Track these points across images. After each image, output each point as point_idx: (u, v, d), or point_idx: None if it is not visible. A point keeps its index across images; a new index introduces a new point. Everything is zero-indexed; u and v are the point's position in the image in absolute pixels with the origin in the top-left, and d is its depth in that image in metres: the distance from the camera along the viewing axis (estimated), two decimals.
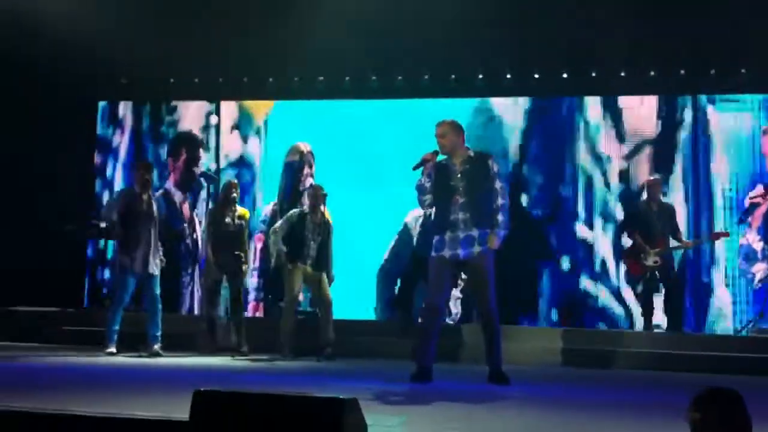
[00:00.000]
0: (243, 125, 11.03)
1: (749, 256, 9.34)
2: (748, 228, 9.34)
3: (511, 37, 9.67)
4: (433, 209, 6.02)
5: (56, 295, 9.84)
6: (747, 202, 9.22)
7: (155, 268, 7.63)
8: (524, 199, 10.12)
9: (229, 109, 11.12)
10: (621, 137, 9.98)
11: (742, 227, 9.34)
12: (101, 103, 11.31)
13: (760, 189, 9.27)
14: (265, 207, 10.58)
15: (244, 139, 11.00)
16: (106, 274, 10.81)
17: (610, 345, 8.19)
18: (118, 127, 11.31)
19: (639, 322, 9.05)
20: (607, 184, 9.98)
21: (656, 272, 8.60)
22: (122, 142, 11.28)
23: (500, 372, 5.81)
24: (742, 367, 7.25)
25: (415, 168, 5.96)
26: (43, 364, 6.83)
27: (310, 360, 7.54)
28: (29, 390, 4.94)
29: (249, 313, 9.90)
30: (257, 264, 10.37)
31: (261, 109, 11.05)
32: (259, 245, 10.34)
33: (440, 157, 5.97)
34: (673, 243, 8.70)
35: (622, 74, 9.89)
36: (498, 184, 5.89)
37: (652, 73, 9.80)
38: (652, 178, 9.13)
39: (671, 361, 7.68)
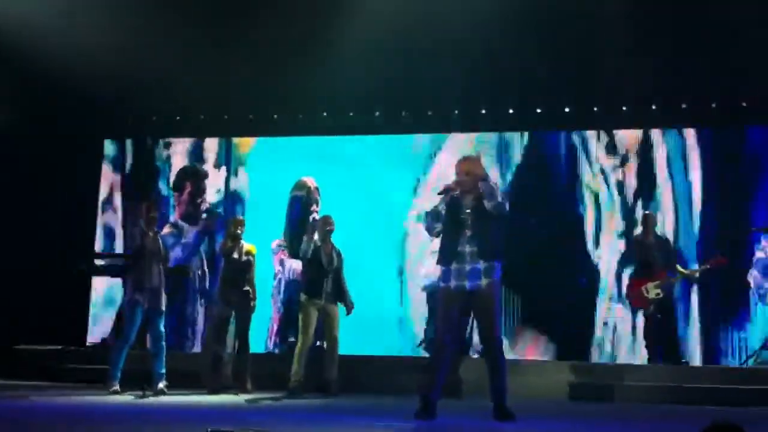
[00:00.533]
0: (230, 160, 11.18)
1: (766, 271, 9.36)
2: (766, 240, 9.35)
3: (501, 72, 9.78)
4: (439, 239, 5.98)
5: (60, 333, 9.84)
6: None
7: (161, 305, 7.65)
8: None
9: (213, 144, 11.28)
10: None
11: (757, 245, 9.34)
12: (106, 141, 11.41)
13: None
14: (272, 242, 10.60)
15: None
16: (110, 312, 10.81)
17: (615, 378, 8.17)
18: (122, 165, 11.39)
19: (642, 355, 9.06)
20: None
21: (658, 305, 8.63)
22: (125, 179, 11.35)
23: (504, 407, 5.77)
24: (747, 399, 7.25)
25: (440, 193, 5.92)
26: (47, 402, 6.81)
27: (316, 397, 7.53)
28: (34, 430, 4.93)
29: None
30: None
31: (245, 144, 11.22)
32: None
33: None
34: (678, 272, 8.76)
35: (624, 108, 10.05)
36: (499, 197, 5.85)
37: (654, 106, 9.97)
38: (647, 211, 9.22)
39: (676, 394, 7.67)
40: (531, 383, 7.90)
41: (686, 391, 7.72)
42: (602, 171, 10.17)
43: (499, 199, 5.81)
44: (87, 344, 10.45)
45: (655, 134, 10.11)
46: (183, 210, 11.00)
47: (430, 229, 6.01)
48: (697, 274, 8.89)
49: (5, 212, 10.44)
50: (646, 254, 8.77)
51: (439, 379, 5.82)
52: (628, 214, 9.97)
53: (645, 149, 10.09)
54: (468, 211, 5.85)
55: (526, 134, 10.48)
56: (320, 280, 7.83)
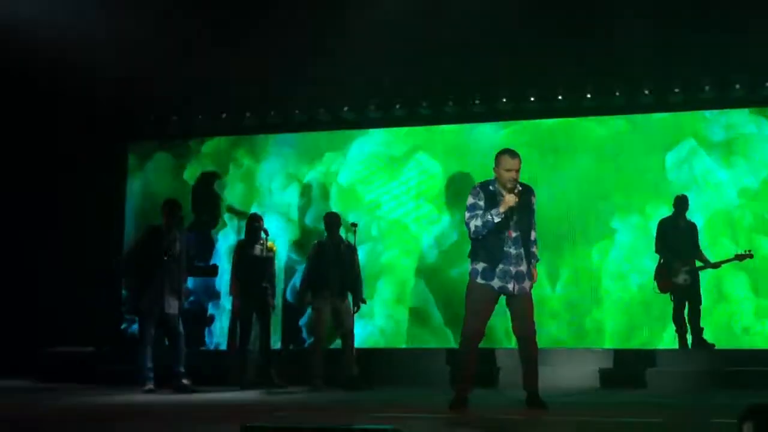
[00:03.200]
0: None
1: None
2: None
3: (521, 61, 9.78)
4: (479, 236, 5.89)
5: (94, 334, 9.94)
6: None
7: (170, 308, 7.56)
8: None
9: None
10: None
11: None
12: (131, 147, 11.51)
13: None
14: (291, 243, 10.75)
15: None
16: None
17: (646, 364, 8.14)
18: (146, 171, 11.49)
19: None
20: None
21: (684, 290, 8.58)
22: (151, 184, 11.46)
23: (538, 397, 5.82)
24: None
25: (504, 210, 5.71)
26: (85, 404, 6.86)
27: (341, 391, 7.55)
28: (76, 428, 4.99)
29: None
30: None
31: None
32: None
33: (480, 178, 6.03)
34: (699, 263, 8.69)
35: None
36: (533, 221, 5.93)
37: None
38: (680, 194, 9.11)
39: (707, 378, 7.64)
40: (561, 372, 7.90)
41: (718, 375, 7.68)
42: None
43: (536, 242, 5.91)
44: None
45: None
46: (204, 213, 11.07)
47: (477, 233, 5.79)
48: (721, 265, 8.82)
49: (35, 216, 10.54)
50: (675, 239, 8.70)
51: (471, 370, 5.86)
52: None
53: None
54: (510, 210, 5.77)
55: None
56: (324, 278, 7.83)
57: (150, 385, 7.54)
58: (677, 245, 8.69)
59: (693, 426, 5.18)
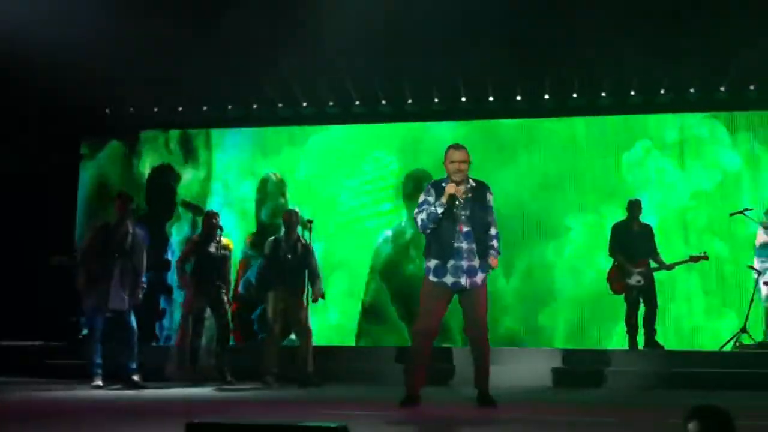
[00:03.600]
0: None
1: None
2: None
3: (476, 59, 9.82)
4: (429, 233, 5.90)
5: (42, 328, 9.77)
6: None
7: (119, 303, 7.45)
8: None
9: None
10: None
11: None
12: (83, 137, 11.33)
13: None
14: (247, 236, 10.62)
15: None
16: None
17: (599, 364, 8.20)
18: (99, 160, 11.32)
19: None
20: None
21: (638, 291, 8.69)
22: (104, 175, 11.30)
23: (488, 395, 5.83)
24: (725, 383, 7.33)
25: (447, 202, 5.74)
26: (29, 398, 6.75)
27: (294, 388, 7.52)
28: (18, 424, 4.89)
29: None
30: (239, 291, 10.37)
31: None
32: (241, 273, 10.35)
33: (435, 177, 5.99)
34: (654, 264, 8.81)
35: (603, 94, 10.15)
36: (491, 217, 5.93)
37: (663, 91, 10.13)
38: (632, 199, 9.23)
39: (658, 379, 7.73)
40: (514, 370, 7.93)
41: (669, 376, 7.77)
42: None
43: (496, 250, 5.89)
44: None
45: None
46: (156, 207, 10.94)
47: (424, 227, 5.85)
48: (675, 267, 8.95)
49: None
50: (627, 242, 8.81)
51: (422, 368, 5.87)
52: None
53: None
54: (461, 204, 5.80)
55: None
56: (278, 273, 7.80)
57: (98, 381, 7.43)
58: (630, 248, 8.80)
59: (642, 425, 5.23)
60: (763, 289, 9.37)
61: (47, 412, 5.80)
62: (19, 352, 9.15)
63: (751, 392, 7.02)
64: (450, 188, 5.74)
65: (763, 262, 9.41)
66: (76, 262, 9.95)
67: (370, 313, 10.59)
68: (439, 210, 5.75)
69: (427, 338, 5.87)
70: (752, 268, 9.32)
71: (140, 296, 7.65)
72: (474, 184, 5.92)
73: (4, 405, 6.21)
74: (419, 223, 5.84)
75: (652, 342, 8.72)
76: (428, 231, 5.84)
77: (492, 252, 5.87)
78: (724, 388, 7.16)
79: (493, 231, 5.92)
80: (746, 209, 9.23)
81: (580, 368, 8.14)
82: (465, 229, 5.81)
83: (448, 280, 5.80)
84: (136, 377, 7.46)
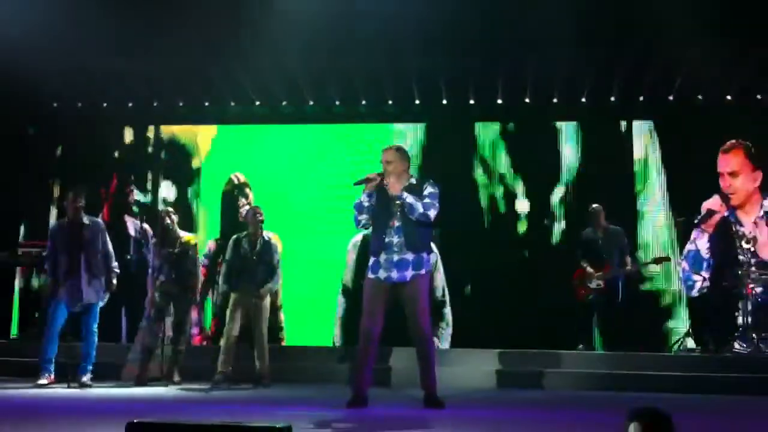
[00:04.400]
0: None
1: (696, 263, 9.54)
2: (699, 234, 9.50)
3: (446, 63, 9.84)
4: (369, 231, 6.04)
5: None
6: (704, 208, 9.46)
7: (92, 296, 7.46)
8: None
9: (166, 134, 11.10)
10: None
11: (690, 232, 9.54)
12: (31, 128, 11.11)
13: (716, 198, 9.49)
14: (208, 242, 10.47)
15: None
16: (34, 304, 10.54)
17: (545, 366, 8.28)
18: (49, 152, 11.11)
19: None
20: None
21: (599, 295, 8.94)
22: (53, 168, 11.09)
23: (435, 396, 5.84)
24: (674, 386, 7.43)
25: (357, 184, 5.97)
26: None
27: (246, 388, 7.48)
28: None
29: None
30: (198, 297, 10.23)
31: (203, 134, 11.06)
32: (202, 279, 10.22)
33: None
34: (624, 266, 9.06)
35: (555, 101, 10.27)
36: (428, 200, 5.85)
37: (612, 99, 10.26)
38: (593, 206, 9.37)
39: (606, 381, 7.82)
40: (459, 372, 7.98)
41: (614, 378, 7.86)
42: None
43: (420, 209, 5.80)
44: (12, 336, 10.21)
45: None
46: (111, 204, 10.75)
47: (357, 223, 6.02)
48: (641, 269, 9.24)
49: None
50: (591, 249, 9.10)
51: (367, 369, 5.86)
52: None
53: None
54: (398, 202, 5.87)
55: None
56: (244, 271, 7.77)
57: (44, 379, 7.33)
58: (593, 253, 9.07)
59: (583, 425, 5.29)
60: (698, 281, 9.52)
61: None
62: None
63: (692, 395, 7.14)
64: (369, 175, 5.89)
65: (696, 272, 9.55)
66: (17, 258, 9.85)
67: (321, 314, 10.49)
68: (365, 200, 5.89)
69: (368, 338, 5.86)
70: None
71: (114, 282, 7.65)
72: (414, 182, 5.99)
73: None
74: (355, 216, 6.00)
75: (612, 345, 8.87)
76: (359, 224, 5.98)
77: (398, 191, 5.81)
78: (668, 391, 7.26)
79: (425, 200, 5.86)
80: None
81: (525, 370, 8.20)
82: (397, 224, 5.85)
83: (381, 274, 5.84)
84: (86, 377, 7.37)
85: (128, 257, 10.16)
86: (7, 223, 10.54)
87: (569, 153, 10.63)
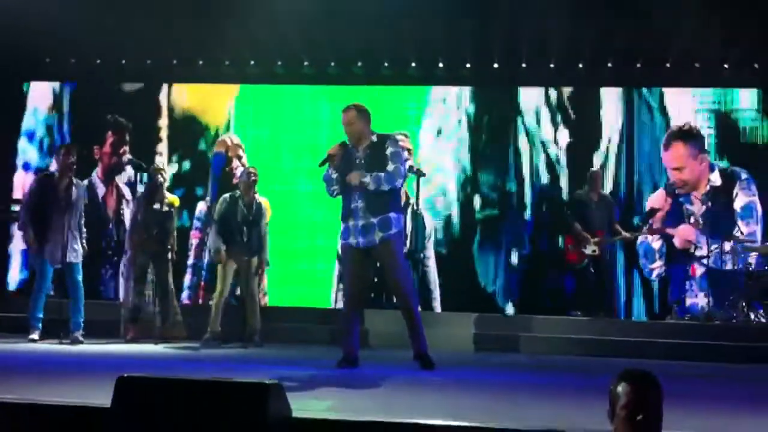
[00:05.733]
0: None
1: (648, 254, 9.66)
2: (647, 228, 9.58)
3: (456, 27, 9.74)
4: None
5: None
6: (648, 206, 9.54)
7: (73, 256, 7.42)
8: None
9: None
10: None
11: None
12: (25, 85, 11.01)
13: (660, 193, 9.58)
14: (199, 203, 10.43)
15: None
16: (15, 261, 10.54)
17: (521, 330, 8.33)
18: (42, 109, 11.03)
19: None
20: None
21: (592, 261, 8.91)
22: (47, 124, 11.01)
23: (425, 355, 5.88)
24: (658, 352, 7.51)
25: (322, 164, 5.96)
26: None
27: (237, 347, 7.53)
28: None
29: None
30: (192, 260, 10.23)
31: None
32: (195, 242, 10.20)
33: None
34: (615, 233, 9.04)
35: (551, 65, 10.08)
36: (390, 167, 5.84)
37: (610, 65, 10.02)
38: (594, 169, 9.35)
39: (589, 346, 7.90)
40: (441, 334, 8.04)
41: (595, 344, 7.95)
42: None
43: (385, 185, 5.78)
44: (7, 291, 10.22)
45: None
46: (105, 163, 10.70)
47: (329, 193, 6.02)
48: (633, 238, 9.22)
49: None
50: (586, 212, 8.98)
51: (355, 330, 5.90)
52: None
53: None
54: (359, 162, 5.88)
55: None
56: (232, 233, 7.78)
57: (34, 335, 7.35)
58: (587, 218, 8.97)
59: (569, 388, 5.36)
60: (655, 269, 9.62)
61: None
62: None
63: (681, 362, 7.23)
64: (331, 150, 5.87)
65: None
66: (10, 214, 9.84)
67: (309, 276, 10.46)
68: (331, 172, 5.89)
69: (350, 301, 5.92)
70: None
71: (85, 246, 7.63)
72: (375, 140, 5.96)
73: None
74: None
75: (607, 311, 8.92)
76: (332, 194, 5.98)
77: (357, 175, 5.78)
78: (655, 357, 7.34)
79: (388, 168, 5.82)
80: None
81: (502, 333, 8.24)
82: (359, 190, 5.83)
83: (352, 240, 5.87)
84: (78, 333, 7.39)
85: (121, 218, 10.16)
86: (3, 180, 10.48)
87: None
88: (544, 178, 10.10)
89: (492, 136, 10.29)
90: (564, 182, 10.01)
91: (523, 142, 10.18)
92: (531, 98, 10.26)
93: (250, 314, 7.78)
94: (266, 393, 3.19)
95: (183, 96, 10.92)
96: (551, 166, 10.10)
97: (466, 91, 10.41)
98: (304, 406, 3.66)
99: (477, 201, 10.17)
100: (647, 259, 9.65)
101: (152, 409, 3.25)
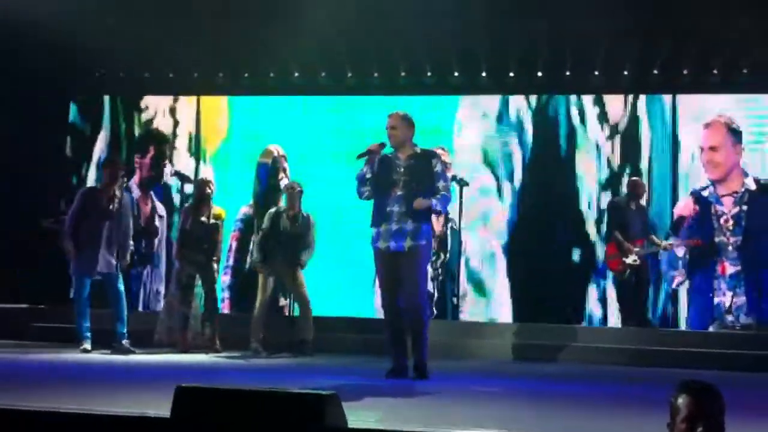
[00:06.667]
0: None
1: (671, 262, 9.55)
2: (673, 236, 9.48)
3: (489, 34, 9.74)
4: (372, 202, 6.01)
5: (28, 291, 9.75)
6: (675, 214, 9.43)
7: (107, 266, 7.46)
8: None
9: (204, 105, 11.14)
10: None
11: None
12: (75, 98, 11.22)
13: (687, 200, 9.49)
14: (242, 207, 10.54)
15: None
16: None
17: (562, 340, 8.29)
18: (92, 123, 11.23)
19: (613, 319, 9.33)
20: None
21: (634, 270, 8.79)
22: (97, 137, 11.22)
23: (419, 366, 5.80)
24: (707, 362, 7.41)
25: (360, 157, 5.95)
26: (17, 361, 6.78)
27: (286, 356, 7.58)
28: (4, 387, 4.92)
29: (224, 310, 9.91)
30: (231, 263, 10.35)
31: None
32: (234, 244, 10.31)
33: (387, 150, 6.00)
34: (654, 242, 8.92)
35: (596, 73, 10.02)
36: (441, 184, 5.89)
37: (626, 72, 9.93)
38: (635, 178, 9.27)
39: (624, 356, 7.87)
40: (478, 345, 8.02)
41: (636, 354, 7.90)
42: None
43: (440, 208, 5.95)
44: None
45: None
46: (144, 174, 10.84)
47: (360, 194, 5.99)
48: (670, 248, 9.08)
49: None
50: (625, 220, 8.87)
51: (401, 338, 5.89)
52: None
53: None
54: (401, 170, 5.87)
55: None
56: (275, 245, 7.85)
57: (86, 345, 7.46)
58: (627, 227, 8.84)
59: (628, 399, 5.31)
60: (677, 277, 9.51)
61: (36, 375, 5.83)
62: (5, 316, 9.13)
63: (730, 372, 7.11)
64: (371, 146, 5.89)
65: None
66: (63, 225, 10.02)
67: (355, 284, 10.48)
68: (366, 171, 5.89)
69: (388, 309, 5.89)
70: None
71: (128, 259, 7.71)
72: (419, 151, 5.98)
73: None
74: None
75: (644, 321, 8.84)
76: (362, 195, 5.96)
77: (427, 200, 5.79)
78: (702, 368, 7.24)
79: (440, 195, 5.87)
80: None
81: (541, 342, 8.22)
82: (399, 192, 5.83)
83: (382, 244, 5.84)
84: (125, 342, 7.49)
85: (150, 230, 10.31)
86: (54, 191, 10.69)
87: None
88: (588, 186, 10.03)
89: (538, 144, 10.24)
90: (607, 190, 9.94)
91: (568, 150, 10.13)
92: (574, 106, 10.22)
93: (303, 323, 7.84)
94: (323, 404, 3.21)
95: (222, 104, 11.07)
96: (595, 174, 10.03)
97: (509, 100, 10.37)
98: (356, 416, 3.68)
99: (520, 210, 10.13)
100: (670, 266, 9.56)
101: (211, 419, 3.28)
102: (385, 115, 6.14)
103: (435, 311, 8.78)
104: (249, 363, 7.07)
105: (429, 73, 10.40)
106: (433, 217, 6.21)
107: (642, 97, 10.07)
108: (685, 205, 9.42)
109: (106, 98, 11.21)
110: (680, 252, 9.46)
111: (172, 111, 11.16)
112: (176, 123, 11.11)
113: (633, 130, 9.97)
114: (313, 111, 10.80)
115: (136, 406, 3.93)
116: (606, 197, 9.83)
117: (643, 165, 9.89)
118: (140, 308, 10.24)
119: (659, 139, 9.95)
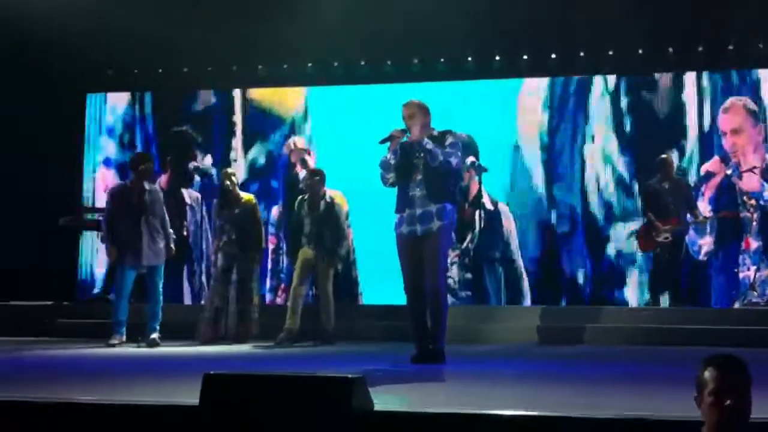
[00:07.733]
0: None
1: (697, 230, 9.50)
2: (701, 197, 9.46)
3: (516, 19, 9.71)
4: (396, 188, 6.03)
5: (51, 288, 9.82)
6: (703, 170, 9.39)
7: (153, 258, 7.60)
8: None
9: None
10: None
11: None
12: (91, 95, 11.27)
13: (716, 160, 9.46)
14: (274, 208, 10.55)
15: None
16: (97, 267, 10.78)
17: (587, 321, 8.27)
18: (110, 119, 11.29)
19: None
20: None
21: (666, 248, 8.74)
22: (115, 134, 11.26)
23: (435, 348, 5.79)
24: (733, 340, 7.32)
25: (382, 142, 5.97)
26: (44, 356, 6.84)
27: (309, 345, 7.61)
28: (35, 380, 4.98)
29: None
30: (270, 265, 10.39)
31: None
32: (271, 246, 10.36)
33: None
34: (689, 219, 8.88)
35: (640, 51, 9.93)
36: (451, 157, 5.84)
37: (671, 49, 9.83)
38: (663, 156, 9.17)
39: (669, 336, 7.81)
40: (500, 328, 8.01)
41: (674, 333, 7.85)
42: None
43: (440, 157, 5.79)
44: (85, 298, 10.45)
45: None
46: (169, 172, 10.87)
47: (384, 181, 6.02)
48: (708, 222, 9.08)
49: None
50: (659, 200, 8.82)
51: (425, 323, 5.88)
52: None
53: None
54: (420, 154, 5.88)
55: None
56: (299, 232, 7.87)
57: (116, 339, 7.52)
58: (660, 206, 8.79)
59: (656, 376, 5.31)
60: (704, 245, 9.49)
61: (64, 370, 5.89)
62: (29, 313, 9.21)
63: (757, 349, 7.06)
64: (394, 131, 5.89)
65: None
66: (83, 221, 10.11)
67: (378, 272, 10.45)
68: (390, 156, 5.88)
69: (412, 295, 5.89)
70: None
71: (173, 246, 7.82)
72: (435, 134, 5.99)
73: (20, 364, 6.30)
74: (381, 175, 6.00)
75: (678, 299, 8.81)
76: (386, 182, 5.98)
77: (426, 143, 5.79)
78: (728, 345, 7.19)
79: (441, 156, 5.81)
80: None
81: (566, 325, 8.21)
82: (419, 177, 5.86)
83: (405, 229, 5.86)
84: (155, 335, 7.55)
85: (185, 224, 10.33)
86: (67, 189, 10.76)
87: None
88: (618, 165, 10.01)
89: (564, 123, 10.21)
90: (636, 171, 9.89)
91: (598, 130, 10.12)
92: (599, 86, 10.17)
93: (323, 312, 7.85)
94: (350, 387, 3.23)
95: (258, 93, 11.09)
96: (624, 154, 10.01)
97: (543, 82, 10.35)
98: (383, 400, 3.69)
99: (552, 191, 10.14)
100: (697, 233, 9.51)
101: (238, 405, 3.32)
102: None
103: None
104: (275, 352, 7.11)
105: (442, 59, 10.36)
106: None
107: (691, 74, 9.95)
108: (713, 163, 9.41)
109: (125, 95, 11.25)
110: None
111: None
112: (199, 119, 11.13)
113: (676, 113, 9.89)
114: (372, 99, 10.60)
115: (166, 396, 3.97)
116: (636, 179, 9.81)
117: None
118: (187, 301, 10.31)
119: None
